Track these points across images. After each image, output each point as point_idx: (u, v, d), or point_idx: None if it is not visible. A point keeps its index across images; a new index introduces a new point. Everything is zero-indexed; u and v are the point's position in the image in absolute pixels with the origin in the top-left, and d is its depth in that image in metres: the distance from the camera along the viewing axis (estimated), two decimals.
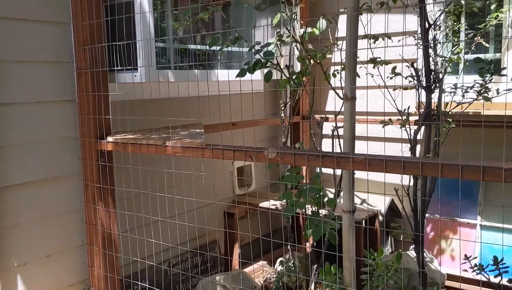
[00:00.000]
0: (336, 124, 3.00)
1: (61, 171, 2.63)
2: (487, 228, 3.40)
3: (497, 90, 2.44)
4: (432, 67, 2.70)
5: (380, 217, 3.54)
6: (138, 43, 2.50)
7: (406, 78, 2.63)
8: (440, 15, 2.55)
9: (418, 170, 1.51)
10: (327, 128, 3.57)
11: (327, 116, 3.90)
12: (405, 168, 1.54)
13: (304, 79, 2.97)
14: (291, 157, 1.80)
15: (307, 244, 3.47)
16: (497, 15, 3.12)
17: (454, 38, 2.84)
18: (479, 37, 2.91)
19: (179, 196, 2.60)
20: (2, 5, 2.34)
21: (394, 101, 2.62)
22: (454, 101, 2.60)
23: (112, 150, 2.49)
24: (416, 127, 2.67)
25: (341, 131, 2.45)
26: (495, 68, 2.53)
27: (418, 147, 2.74)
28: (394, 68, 2.62)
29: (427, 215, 3.54)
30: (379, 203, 3.59)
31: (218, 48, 2.72)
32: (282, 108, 3.16)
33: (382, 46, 2.49)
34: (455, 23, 2.90)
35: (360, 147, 3.48)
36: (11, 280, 2.43)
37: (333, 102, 3.59)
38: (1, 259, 2.36)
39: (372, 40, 2.67)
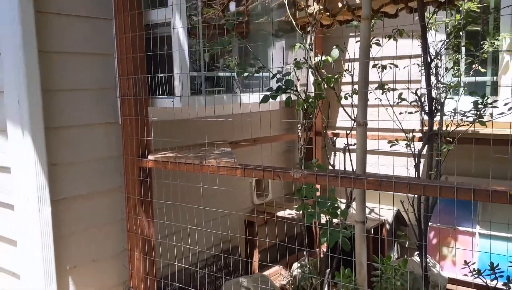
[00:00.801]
0: (347, 141, 3.34)
1: (105, 186, 2.97)
2: (485, 236, 3.71)
3: (491, 114, 2.77)
4: (435, 92, 3.04)
5: (387, 226, 3.87)
6: (175, 71, 2.85)
7: (411, 103, 2.97)
8: (441, 49, 2.88)
9: (421, 191, 1.85)
10: (339, 142, 3.92)
11: (339, 131, 4.25)
12: (410, 188, 1.87)
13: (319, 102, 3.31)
14: (314, 177, 2.14)
15: (321, 250, 3.79)
16: (493, 42, 3.45)
17: (454, 67, 3.17)
18: (476, 64, 3.25)
19: (206, 207, 2.95)
20: (60, 41, 2.69)
21: (401, 123, 2.96)
22: (454, 123, 2.93)
23: (153, 167, 2.83)
24: (420, 145, 3.00)
25: (352, 146, 2.79)
26: (493, 89, 2.86)
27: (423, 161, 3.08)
28: (400, 94, 2.96)
29: (430, 223, 3.87)
30: (386, 213, 3.92)
31: (245, 74, 3.06)
32: (300, 127, 3.50)
33: (391, 74, 2.84)
34: (455, 53, 3.23)
35: (370, 161, 3.81)
36: (65, 281, 2.78)
37: (345, 119, 3.93)
38: (57, 262, 2.71)
39: (380, 69, 3.02)
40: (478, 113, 2.56)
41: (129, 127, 2.88)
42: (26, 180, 2.61)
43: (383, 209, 3.95)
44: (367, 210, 4.07)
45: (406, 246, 4.19)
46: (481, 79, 3.85)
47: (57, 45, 2.69)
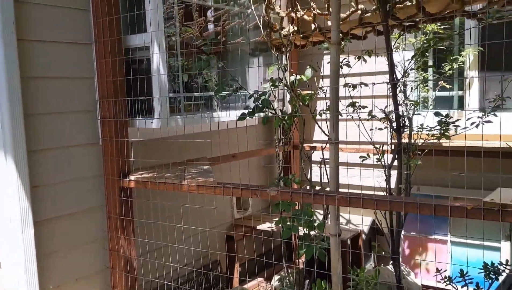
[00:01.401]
0: (323, 155, 3.48)
1: (87, 206, 3.04)
2: (457, 244, 3.88)
3: (456, 128, 2.93)
4: (403, 108, 3.20)
5: (364, 236, 4.00)
6: (154, 94, 2.94)
7: (380, 120, 3.12)
8: (407, 69, 3.04)
9: (387, 207, 1.98)
10: (315, 155, 4.06)
11: (315, 145, 4.39)
12: (378, 205, 2.00)
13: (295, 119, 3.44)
14: (289, 194, 2.26)
15: (299, 262, 3.91)
16: (458, 58, 3.63)
17: (421, 84, 3.33)
18: (442, 81, 3.43)
19: (187, 223, 3.05)
20: (41, 67, 2.77)
21: (371, 139, 3.11)
22: (421, 138, 3.09)
23: (134, 187, 2.92)
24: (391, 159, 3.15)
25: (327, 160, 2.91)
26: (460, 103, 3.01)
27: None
28: (370, 111, 3.10)
29: (403, 232, 4.03)
30: (363, 222, 4.06)
31: (221, 94, 3.18)
32: (277, 143, 3.62)
33: (364, 90, 2.99)
34: (422, 71, 3.41)
35: (344, 172, 3.95)
36: None
37: (320, 132, 4.07)
38: (41, 282, 2.76)
39: (351, 88, 3.16)
40: (442, 130, 2.71)
41: (110, 148, 2.96)
42: (9, 202, 2.67)
43: (359, 219, 4.09)
44: (344, 221, 4.20)
45: (383, 254, 4.33)
46: (447, 94, 4.04)
47: (39, 70, 2.77)
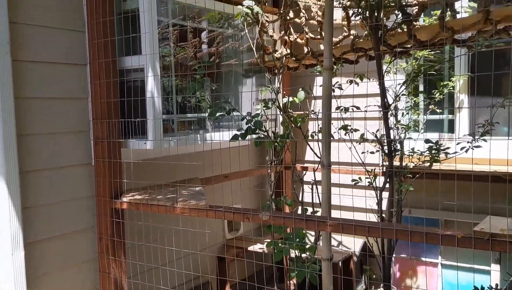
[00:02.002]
0: (315, 176, 3.50)
1: (78, 227, 3.02)
2: (447, 266, 3.89)
3: (446, 154, 2.97)
4: (394, 132, 3.24)
5: (355, 258, 4.01)
6: (148, 116, 2.96)
7: (372, 142, 3.15)
8: (398, 95, 3.09)
9: (379, 234, 1.99)
10: (307, 176, 4.08)
11: (307, 165, 4.41)
12: (369, 231, 2.01)
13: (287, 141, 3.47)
14: (281, 219, 2.27)
15: (291, 283, 3.89)
16: (448, 83, 3.69)
17: (412, 108, 3.38)
18: (433, 105, 3.48)
19: (178, 243, 3.03)
20: (35, 87, 2.77)
21: (363, 161, 3.14)
22: (412, 162, 3.12)
23: (126, 208, 2.91)
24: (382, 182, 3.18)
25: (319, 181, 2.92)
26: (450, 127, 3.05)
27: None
28: (362, 135, 3.14)
29: (394, 255, 4.04)
30: (354, 244, 4.07)
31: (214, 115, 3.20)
32: (269, 164, 3.64)
33: (353, 115, 3.03)
34: (413, 96, 3.46)
35: (336, 193, 3.97)
36: None
37: (312, 153, 4.11)
38: None
39: (343, 111, 3.20)
40: (433, 156, 2.75)
41: (102, 169, 2.96)
42: None
43: (351, 241, 4.10)
44: (335, 243, 4.21)
45: (374, 277, 4.33)
46: (438, 117, 4.09)
47: (33, 90, 2.77)
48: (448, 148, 2.81)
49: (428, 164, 2.98)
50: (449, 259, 3.90)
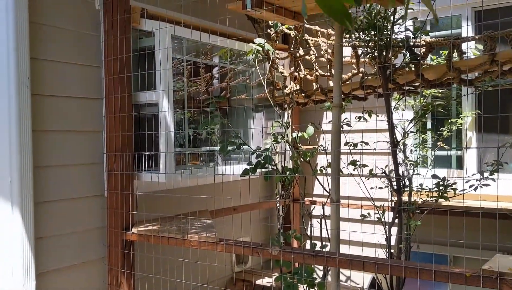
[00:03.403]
0: (323, 211, 3.52)
1: (88, 257, 3.05)
2: None
3: (454, 190, 3.00)
4: (403, 168, 3.27)
5: None
6: (161, 150, 3.03)
7: (381, 178, 3.19)
8: (406, 133, 3.14)
9: (388, 271, 2.01)
10: (316, 209, 4.10)
11: (316, 199, 4.43)
12: (378, 268, 2.03)
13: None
14: (291, 255, 2.29)
15: None
16: (456, 120, 3.74)
17: (421, 145, 3.42)
18: (441, 142, 3.52)
19: (187, 276, 3.05)
20: (52, 120, 2.86)
21: (372, 198, 3.16)
22: (421, 198, 3.14)
23: (137, 240, 2.94)
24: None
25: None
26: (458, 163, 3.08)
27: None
28: (371, 170, 3.17)
29: None
30: (363, 279, 4.04)
31: (225, 149, 3.26)
32: (278, 198, 3.67)
33: (362, 150, 3.07)
34: (421, 133, 3.51)
35: (345, 228, 3.98)
36: None
37: (321, 187, 4.14)
38: None
39: (352, 147, 3.25)
40: (440, 192, 2.78)
41: (115, 200, 3.01)
42: (12, 254, 2.69)
43: (360, 275, 4.07)
44: (344, 278, 4.19)
45: None
46: (446, 153, 4.12)
47: (50, 124, 2.86)
48: (455, 183, 2.83)
49: (435, 201, 3.01)
50: None
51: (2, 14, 2.70)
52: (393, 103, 3.49)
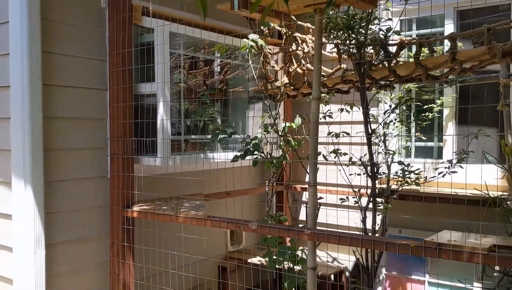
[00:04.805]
0: (308, 195, 3.82)
1: (93, 232, 3.40)
2: (434, 284, 4.14)
3: (425, 177, 3.28)
4: (381, 157, 3.56)
5: (347, 273, 4.29)
6: (158, 137, 3.34)
7: (359, 165, 3.48)
8: (386, 124, 3.42)
9: (359, 244, 2.31)
10: (304, 196, 4.40)
11: (306, 186, 4.73)
12: (340, 240, 2.33)
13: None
14: (267, 229, 2.60)
15: None
16: (432, 108, 3.97)
17: (398, 135, 3.70)
18: (419, 132, 3.79)
19: (183, 252, 3.36)
20: (61, 108, 3.19)
21: (351, 183, 3.46)
22: (395, 185, 3.43)
23: (136, 217, 3.27)
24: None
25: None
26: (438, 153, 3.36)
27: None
28: (350, 158, 3.47)
29: (385, 271, 4.31)
30: (347, 261, 4.35)
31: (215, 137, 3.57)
32: (267, 183, 3.98)
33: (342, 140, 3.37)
34: (399, 123, 3.78)
35: (325, 212, 4.28)
36: None
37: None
38: None
39: (334, 136, 3.54)
40: (410, 178, 3.07)
41: (117, 182, 3.34)
42: (25, 226, 3.04)
43: (345, 257, 4.38)
44: (330, 258, 4.50)
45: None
46: (424, 144, 4.39)
47: (59, 111, 3.19)
48: (418, 169, 3.12)
49: (413, 186, 3.29)
50: (435, 277, 4.14)
51: (17, 12, 3.02)
52: (375, 96, 3.78)
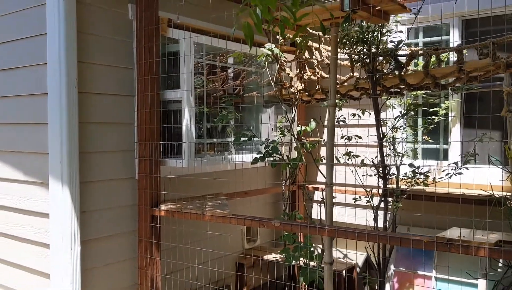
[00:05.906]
0: (323, 195, 4.06)
1: (122, 229, 3.63)
2: (441, 279, 4.36)
3: (426, 177, 3.50)
4: (391, 159, 3.79)
5: (358, 269, 4.52)
6: (183, 140, 3.58)
7: (371, 167, 3.71)
8: (396, 128, 3.64)
9: (376, 239, 2.54)
10: (318, 195, 4.63)
11: (318, 186, 4.96)
12: (369, 237, 2.56)
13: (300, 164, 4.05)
14: (289, 226, 2.83)
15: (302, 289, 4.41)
16: (440, 113, 4.19)
17: (407, 138, 3.93)
18: (426, 136, 4.02)
19: (203, 249, 3.61)
20: (94, 114, 3.43)
21: (363, 183, 3.69)
22: (405, 185, 3.66)
23: (164, 215, 3.51)
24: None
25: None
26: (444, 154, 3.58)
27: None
28: (363, 160, 3.70)
29: (393, 268, 4.53)
30: (358, 258, 4.58)
31: (238, 141, 3.81)
32: (283, 183, 4.21)
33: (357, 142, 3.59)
34: (409, 127, 4.01)
35: (341, 211, 4.51)
36: None
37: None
38: None
39: (347, 139, 3.77)
40: (416, 179, 3.29)
41: (144, 182, 3.58)
42: (62, 224, 3.28)
43: (355, 254, 4.61)
44: (341, 255, 4.73)
45: (376, 288, 4.81)
46: (434, 147, 4.62)
47: (92, 116, 3.43)
48: (428, 171, 3.34)
49: (421, 186, 3.52)
50: (443, 273, 4.37)
51: (55, 26, 3.26)
52: (386, 102, 4.01)
